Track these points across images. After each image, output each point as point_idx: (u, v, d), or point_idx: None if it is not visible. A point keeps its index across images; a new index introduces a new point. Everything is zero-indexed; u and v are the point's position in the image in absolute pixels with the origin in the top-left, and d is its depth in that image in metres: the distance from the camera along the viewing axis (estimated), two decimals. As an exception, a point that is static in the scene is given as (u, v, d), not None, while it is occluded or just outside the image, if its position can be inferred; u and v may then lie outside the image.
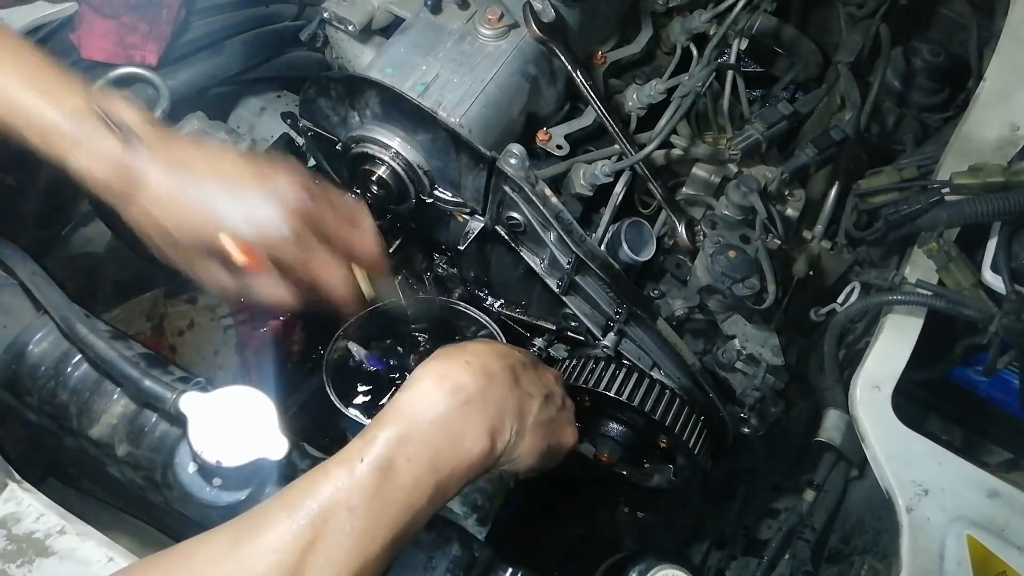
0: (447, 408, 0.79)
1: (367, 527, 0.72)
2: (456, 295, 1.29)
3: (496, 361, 0.84)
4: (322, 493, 0.72)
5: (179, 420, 0.87)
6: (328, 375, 1.12)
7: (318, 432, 1.29)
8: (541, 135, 1.17)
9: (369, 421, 0.94)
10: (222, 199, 0.85)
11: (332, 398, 1.10)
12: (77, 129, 0.81)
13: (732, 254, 1.10)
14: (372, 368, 1.15)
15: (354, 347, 1.15)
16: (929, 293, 1.10)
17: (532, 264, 1.13)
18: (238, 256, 0.85)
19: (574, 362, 1.16)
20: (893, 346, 1.12)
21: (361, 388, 1.15)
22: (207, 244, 0.85)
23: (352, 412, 1.11)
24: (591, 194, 1.17)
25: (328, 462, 0.75)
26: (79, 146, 0.81)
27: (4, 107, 0.81)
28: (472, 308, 1.21)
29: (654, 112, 1.26)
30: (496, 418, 0.82)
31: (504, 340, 1.12)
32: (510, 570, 0.93)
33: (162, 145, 0.84)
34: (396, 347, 1.19)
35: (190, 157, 0.85)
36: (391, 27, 1.28)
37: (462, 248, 1.13)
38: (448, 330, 1.22)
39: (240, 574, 0.68)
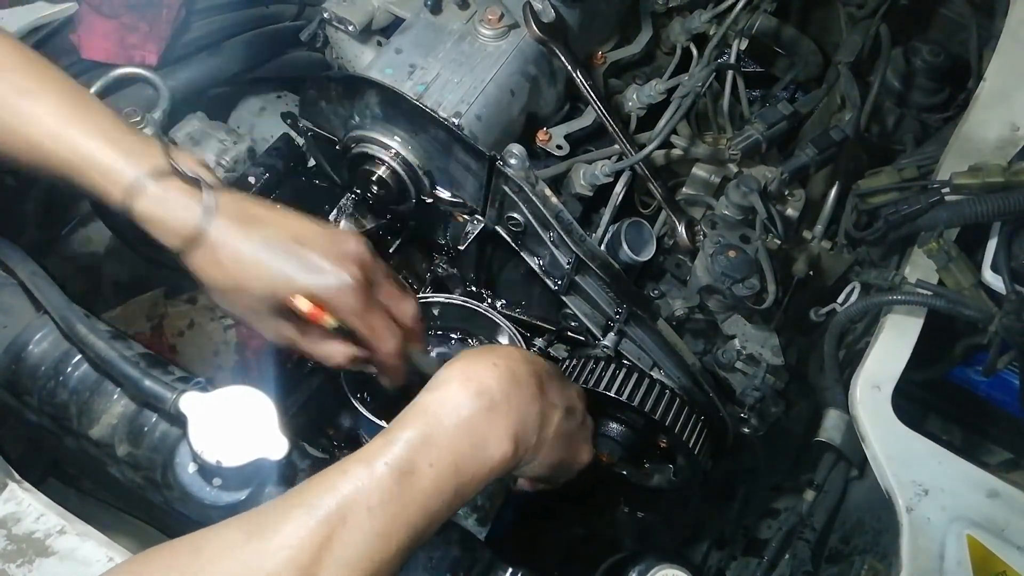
0: (472, 411, 0.77)
1: (384, 529, 0.71)
2: (458, 294, 1.29)
3: (523, 366, 0.83)
4: (341, 492, 0.71)
5: (179, 420, 0.87)
6: (345, 373, 1.08)
7: (318, 432, 1.29)
8: (541, 135, 1.17)
9: (383, 423, 0.94)
10: (292, 258, 0.86)
11: (348, 396, 1.07)
12: (152, 183, 0.83)
13: (732, 254, 1.10)
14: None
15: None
16: (929, 293, 1.10)
17: (532, 264, 1.13)
18: (306, 308, 0.87)
19: (574, 362, 1.16)
20: (893, 346, 1.12)
21: (377, 388, 1.10)
22: (274, 301, 0.88)
23: (367, 412, 1.09)
24: (591, 194, 1.17)
25: (347, 460, 0.74)
26: (158, 203, 0.83)
27: (81, 162, 0.82)
28: (494, 311, 1.18)
29: (654, 112, 1.26)
30: (519, 424, 0.80)
31: (525, 347, 1.09)
32: (510, 570, 0.93)
33: (234, 202, 0.86)
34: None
35: (261, 215, 0.88)
36: (391, 27, 1.28)
37: (462, 248, 1.13)
38: (467, 333, 1.20)
39: (252, 569, 0.66)
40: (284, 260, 0.87)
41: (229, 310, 0.91)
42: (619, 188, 1.17)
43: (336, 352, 0.93)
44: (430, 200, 1.11)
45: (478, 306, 1.19)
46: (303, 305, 0.87)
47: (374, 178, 1.09)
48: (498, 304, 1.29)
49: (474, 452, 0.77)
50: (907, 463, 1.03)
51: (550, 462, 0.87)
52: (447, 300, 1.21)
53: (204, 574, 0.66)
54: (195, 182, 0.84)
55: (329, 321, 0.88)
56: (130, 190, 0.82)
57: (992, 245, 1.13)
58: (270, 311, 0.89)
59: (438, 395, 0.78)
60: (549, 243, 1.08)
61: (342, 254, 0.88)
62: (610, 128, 1.13)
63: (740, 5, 1.30)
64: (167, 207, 0.83)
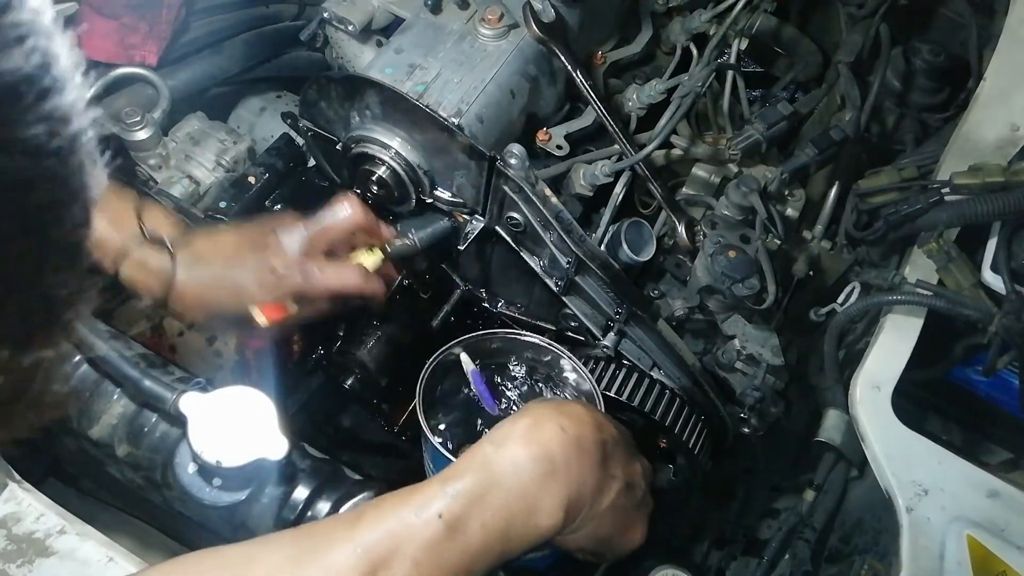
0: (531, 477, 0.76)
1: None
2: (458, 294, 1.29)
3: (591, 434, 0.81)
4: (391, 534, 0.71)
5: (179, 420, 0.87)
6: (421, 393, 1.00)
7: (318, 432, 1.29)
8: (541, 135, 1.17)
9: (452, 458, 0.92)
10: (233, 277, 0.98)
11: (421, 421, 0.98)
12: (134, 249, 0.94)
13: (732, 254, 1.10)
14: (475, 389, 1.05)
15: (465, 359, 1.05)
16: (929, 293, 1.10)
17: (532, 264, 1.13)
18: (262, 321, 0.99)
19: (574, 362, 1.16)
20: (893, 346, 1.12)
21: (442, 414, 1.05)
22: (238, 314, 0.99)
23: (436, 440, 0.99)
24: (591, 194, 1.17)
25: (403, 500, 0.74)
26: (130, 260, 0.94)
27: None
28: (574, 358, 1.07)
29: (654, 112, 1.26)
30: (575, 495, 0.78)
31: (601, 401, 1.03)
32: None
33: (184, 247, 0.97)
34: (494, 376, 1.08)
35: (203, 250, 0.98)
36: (391, 27, 1.28)
37: (462, 248, 1.13)
38: (545, 371, 1.10)
39: None
40: (228, 289, 0.99)
41: (219, 329, 1.06)
42: (619, 188, 1.17)
43: (316, 310, 1.04)
44: (430, 200, 1.11)
45: (559, 349, 1.08)
46: (260, 319, 0.99)
47: (374, 178, 1.09)
48: (498, 305, 1.29)
49: (526, 518, 0.76)
50: (907, 463, 1.03)
51: (599, 536, 0.84)
52: (525, 337, 1.10)
53: None
54: (161, 243, 0.96)
55: (290, 311, 1.01)
56: (117, 258, 0.94)
57: (992, 245, 1.13)
58: (245, 324, 1.00)
59: (500, 453, 0.77)
60: (549, 243, 1.08)
61: (277, 257, 0.99)
62: (610, 128, 1.13)
63: (740, 5, 1.30)
64: (145, 271, 0.95)
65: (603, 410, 0.98)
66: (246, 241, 1.00)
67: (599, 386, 1.11)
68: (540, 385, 1.09)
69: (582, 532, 0.82)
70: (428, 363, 1.02)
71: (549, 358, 1.08)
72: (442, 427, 1.04)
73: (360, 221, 1.02)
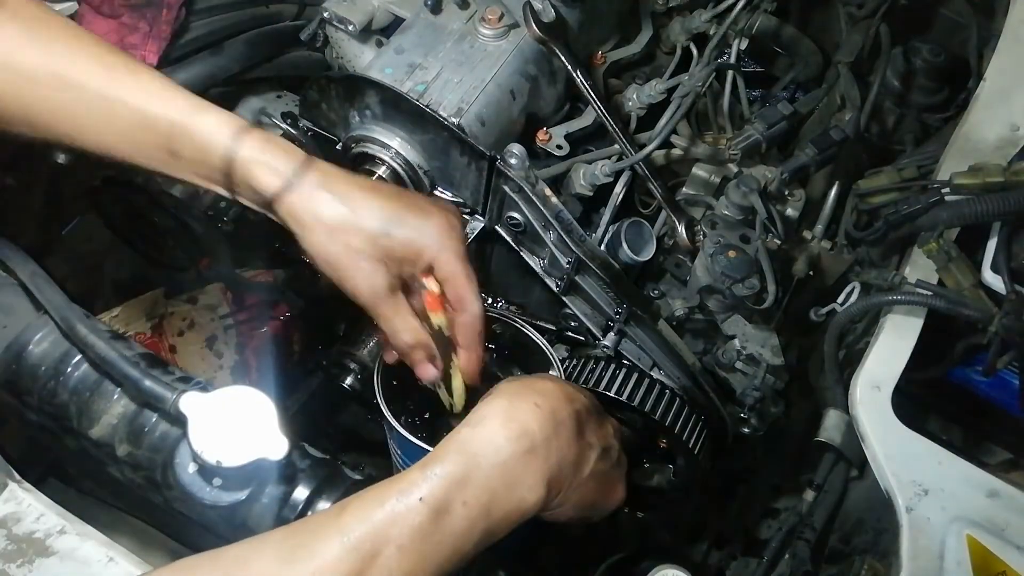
0: (510, 454, 0.77)
1: (413, 568, 0.71)
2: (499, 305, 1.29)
3: (565, 407, 0.82)
4: (376, 525, 0.71)
5: (179, 420, 0.87)
6: (379, 383, 0.98)
7: (318, 432, 1.29)
8: (541, 135, 1.17)
9: (419, 442, 0.91)
10: (403, 199, 0.87)
11: (385, 414, 0.97)
12: (261, 133, 0.83)
13: (732, 254, 1.10)
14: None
15: None
16: (929, 293, 1.10)
17: (532, 264, 1.13)
18: (435, 289, 0.88)
19: (574, 362, 1.16)
20: (893, 346, 1.12)
21: (410, 404, 1.03)
22: (385, 241, 0.85)
23: (407, 434, 0.96)
24: (591, 194, 1.17)
25: (385, 488, 0.74)
26: (264, 144, 0.83)
27: (188, 120, 0.82)
28: (532, 330, 1.07)
29: (654, 112, 1.26)
30: (556, 468, 0.79)
31: (563, 372, 1.03)
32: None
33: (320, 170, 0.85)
34: None
35: (350, 189, 0.86)
36: (391, 27, 1.28)
37: (462, 248, 1.13)
38: (500, 348, 1.09)
39: None
40: (397, 200, 0.86)
41: (323, 255, 0.85)
42: (619, 188, 1.17)
43: (407, 330, 0.89)
44: (430, 200, 1.11)
45: (516, 321, 1.07)
46: (433, 286, 0.87)
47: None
48: (498, 305, 1.29)
49: (508, 495, 0.77)
50: (907, 463, 1.03)
51: (583, 503, 0.86)
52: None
53: None
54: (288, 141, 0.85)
55: (438, 319, 0.89)
56: (237, 136, 0.82)
57: (992, 245, 1.13)
58: (373, 255, 0.85)
59: (478, 432, 0.78)
60: (549, 243, 1.08)
61: (446, 209, 0.89)
62: (610, 128, 1.13)
63: (740, 5, 1.30)
64: (273, 147, 0.83)
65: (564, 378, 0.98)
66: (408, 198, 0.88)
67: (599, 386, 1.11)
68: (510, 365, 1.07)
69: (568, 504, 0.83)
70: (376, 363, 1.00)
71: (516, 343, 1.06)
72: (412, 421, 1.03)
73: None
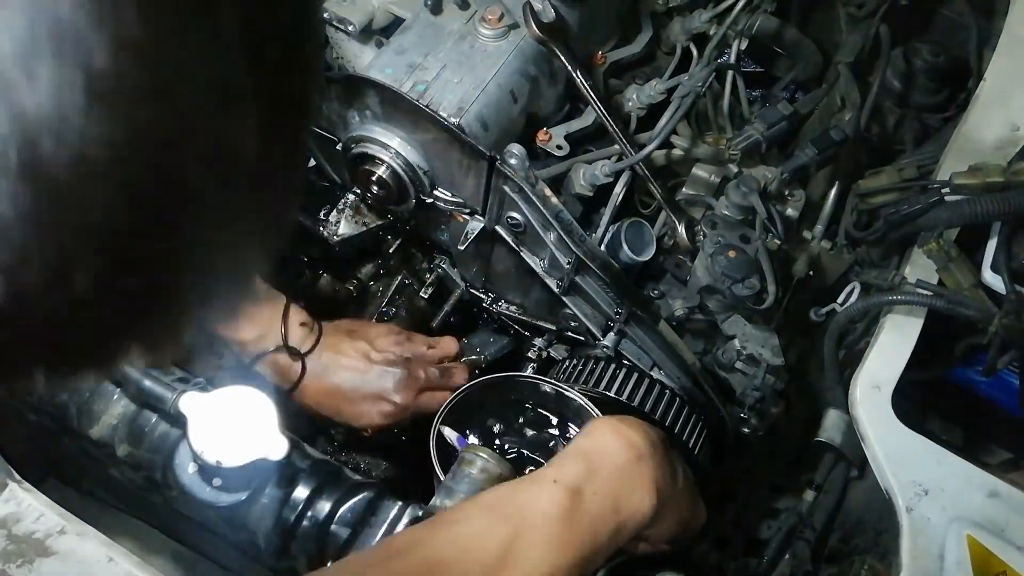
0: (625, 459, 0.83)
1: (562, 536, 0.75)
2: (457, 294, 1.29)
3: (650, 432, 0.90)
4: (519, 500, 0.78)
5: (179, 420, 0.87)
6: (435, 455, 1.01)
7: (318, 432, 1.29)
8: (541, 135, 1.17)
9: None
10: (365, 400, 1.14)
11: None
12: (270, 350, 1.09)
13: (732, 254, 1.10)
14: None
15: (447, 431, 1.06)
16: (929, 293, 1.10)
17: (532, 264, 1.13)
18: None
19: (574, 362, 1.16)
20: (893, 346, 1.12)
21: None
22: (348, 423, 1.16)
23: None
24: (591, 194, 1.17)
25: (514, 483, 0.84)
26: (266, 359, 1.09)
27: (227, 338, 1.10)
28: (577, 392, 1.07)
29: (654, 112, 1.26)
30: (660, 478, 0.85)
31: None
32: None
33: (314, 355, 1.11)
34: (492, 429, 1.08)
35: (330, 362, 1.12)
36: (391, 27, 1.28)
37: (462, 248, 1.13)
38: (544, 415, 1.11)
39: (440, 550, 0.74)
40: (360, 403, 1.13)
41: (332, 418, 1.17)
42: (619, 188, 1.17)
43: (451, 389, 1.14)
44: (430, 200, 1.11)
45: (562, 388, 1.08)
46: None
47: (374, 178, 1.09)
48: (500, 305, 1.29)
49: (628, 496, 0.82)
50: (907, 463, 1.03)
51: (680, 519, 0.91)
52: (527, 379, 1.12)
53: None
54: (295, 352, 1.09)
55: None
56: (251, 353, 1.09)
57: (992, 245, 1.12)
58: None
59: (594, 440, 0.86)
60: (549, 243, 1.08)
61: (394, 399, 1.14)
62: (610, 128, 1.13)
63: (740, 5, 1.30)
64: (276, 370, 1.10)
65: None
66: (367, 376, 1.13)
67: (599, 386, 1.11)
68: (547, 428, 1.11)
69: (668, 518, 0.89)
70: (431, 436, 1.04)
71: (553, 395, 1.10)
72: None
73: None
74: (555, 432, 1.09)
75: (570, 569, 0.74)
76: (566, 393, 1.07)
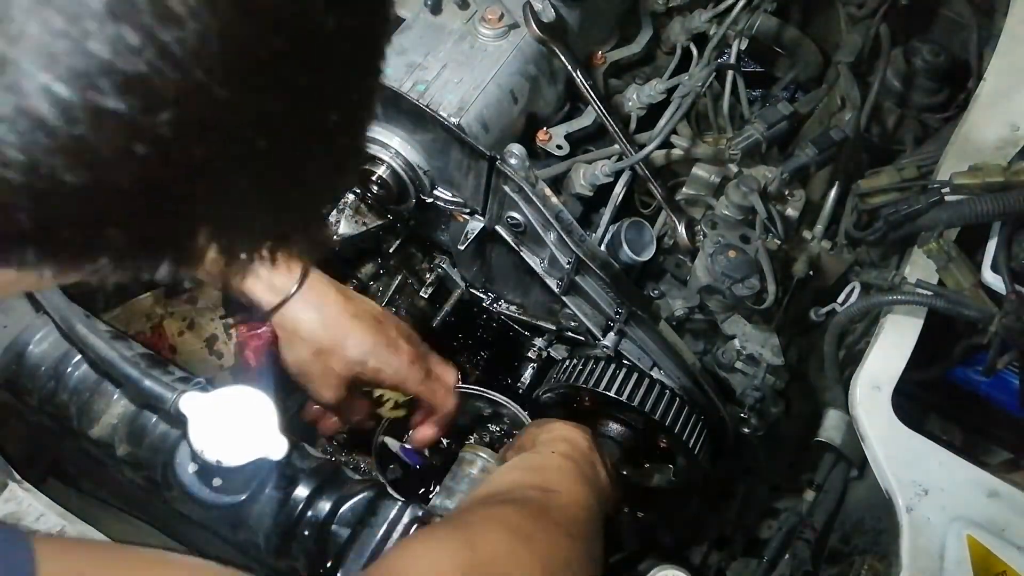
0: (587, 444, 0.98)
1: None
2: (456, 296, 1.29)
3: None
4: (532, 460, 0.93)
5: (179, 420, 0.87)
6: (376, 459, 1.16)
7: (318, 432, 1.29)
8: (541, 135, 1.17)
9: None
10: (381, 335, 1.03)
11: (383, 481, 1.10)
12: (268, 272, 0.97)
13: (732, 254, 1.10)
14: (410, 462, 1.16)
15: (390, 441, 1.16)
16: (929, 293, 1.10)
17: (532, 264, 1.13)
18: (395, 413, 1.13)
19: (574, 362, 1.16)
20: (893, 346, 1.12)
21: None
22: (360, 370, 1.02)
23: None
24: (591, 194, 1.17)
25: (520, 456, 0.98)
26: (266, 288, 0.98)
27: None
28: (491, 392, 1.20)
29: (654, 112, 1.26)
30: (603, 464, 0.99)
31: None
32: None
33: (311, 288, 1.01)
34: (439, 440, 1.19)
35: (347, 291, 1.05)
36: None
37: (462, 248, 1.13)
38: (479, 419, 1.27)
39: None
40: (375, 334, 1.01)
41: (302, 368, 1.02)
42: (619, 188, 1.17)
43: (352, 420, 1.13)
44: (430, 200, 1.11)
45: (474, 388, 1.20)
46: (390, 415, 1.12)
47: (374, 178, 1.09)
48: (500, 305, 1.29)
49: (595, 472, 0.95)
50: (907, 463, 1.03)
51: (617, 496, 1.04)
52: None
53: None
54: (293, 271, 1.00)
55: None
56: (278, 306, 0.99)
57: (992, 245, 1.12)
58: (343, 375, 1.01)
59: (558, 427, 1.00)
60: (549, 243, 1.08)
61: (408, 336, 1.08)
62: (610, 128, 1.13)
63: (740, 5, 1.30)
64: (265, 283, 0.97)
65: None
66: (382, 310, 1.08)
67: (599, 386, 1.11)
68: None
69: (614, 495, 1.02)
70: (373, 442, 1.16)
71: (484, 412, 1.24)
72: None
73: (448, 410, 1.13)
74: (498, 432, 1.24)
75: (596, 505, 0.89)
76: (498, 401, 1.19)
